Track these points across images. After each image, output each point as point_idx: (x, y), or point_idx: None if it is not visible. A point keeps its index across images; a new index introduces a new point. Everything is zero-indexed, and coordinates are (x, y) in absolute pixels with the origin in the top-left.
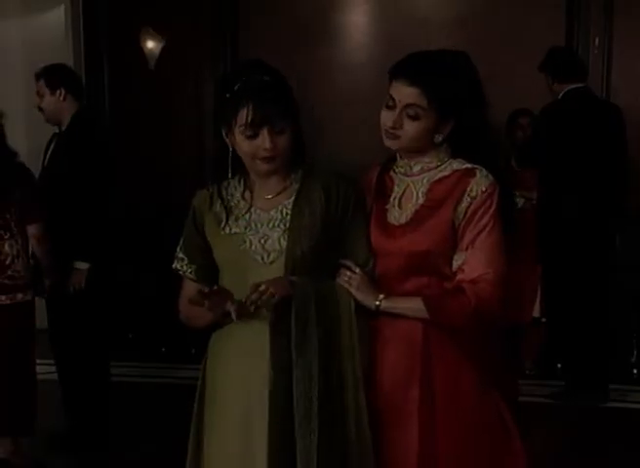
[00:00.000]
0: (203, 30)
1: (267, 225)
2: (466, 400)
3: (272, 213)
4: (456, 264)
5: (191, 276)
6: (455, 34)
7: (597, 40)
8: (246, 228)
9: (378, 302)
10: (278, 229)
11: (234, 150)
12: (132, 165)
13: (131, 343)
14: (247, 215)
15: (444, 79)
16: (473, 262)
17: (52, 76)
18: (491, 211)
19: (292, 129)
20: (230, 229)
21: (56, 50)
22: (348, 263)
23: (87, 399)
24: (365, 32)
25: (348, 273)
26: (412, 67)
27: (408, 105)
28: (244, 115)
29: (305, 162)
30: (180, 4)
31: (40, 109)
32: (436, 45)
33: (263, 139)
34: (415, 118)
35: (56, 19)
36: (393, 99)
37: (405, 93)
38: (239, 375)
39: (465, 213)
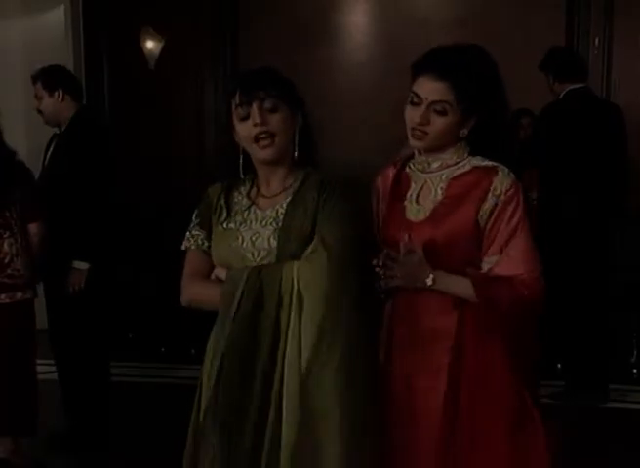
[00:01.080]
0: (203, 30)
1: (260, 223)
2: (495, 384)
3: (268, 212)
4: (487, 267)
5: (209, 251)
6: (454, 34)
7: (597, 40)
8: (241, 225)
9: (430, 282)
10: (270, 228)
11: (244, 150)
12: (132, 165)
13: (131, 343)
14: (245, 213)
15: (470, 74)
16: (508, 264)
17: (49, 78)
18: (519, 211)
19: (289, 113)
20: (227, 224)
21: (56, 50)
22: (388, 252)
23: (87, 399)
24: (365, 32)
25: (393, 265)
26: (438, 62)
27: (435, 102)
28: (236, 99)
29: (313, 165)
30: (180, 4)
31: (39, 111)
32: (436, 45)
33: (253, 116)
34: (442, 113)
35: (56, 20)
36: (418, 96)
37: (431, 88)
38: None
39: (491, 213)
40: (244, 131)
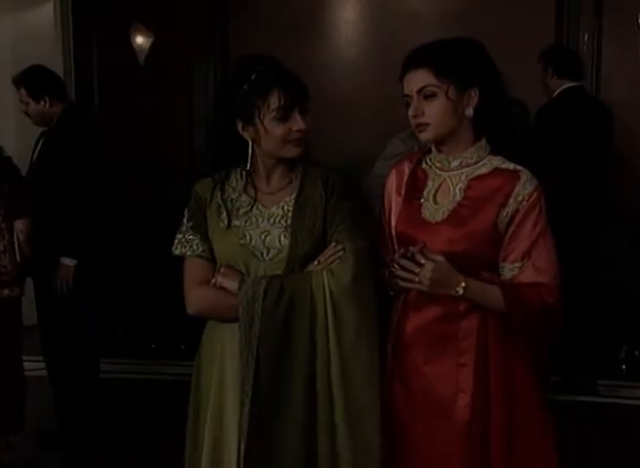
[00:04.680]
0: (193, 26)
1: (268, 221)
2: (519, 385)
3: (273, 209)
4: (510, 274)
5: (205, 255)
6: (445, 29)
7: (586, 36)
8: (246, 222)
9: (461, 291)
10: (279, 226)
11: (252, 142)
12: (122, 160)
13: (120, 340)
14: (248, 210)
15: (446, 50)
16: (532, 272)
17: (32, 85)
18: (542, 217)
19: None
20: (230, 222)
21: (45, 46)
22: (413, 251)
23: (76, 396)
24: (355, 28)
25: (417, 270)
26: (414, 54)
27: (420, 89)
28: (276, 98)
29: (307, 158)
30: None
31: (27, 114)
32: (428, 41)
33: (296, 121)
34: (431, 96)
35: (45, 16)
36: (407, 95)
37: (414, 79)
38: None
39: (512, 218)
40: (280, 131)
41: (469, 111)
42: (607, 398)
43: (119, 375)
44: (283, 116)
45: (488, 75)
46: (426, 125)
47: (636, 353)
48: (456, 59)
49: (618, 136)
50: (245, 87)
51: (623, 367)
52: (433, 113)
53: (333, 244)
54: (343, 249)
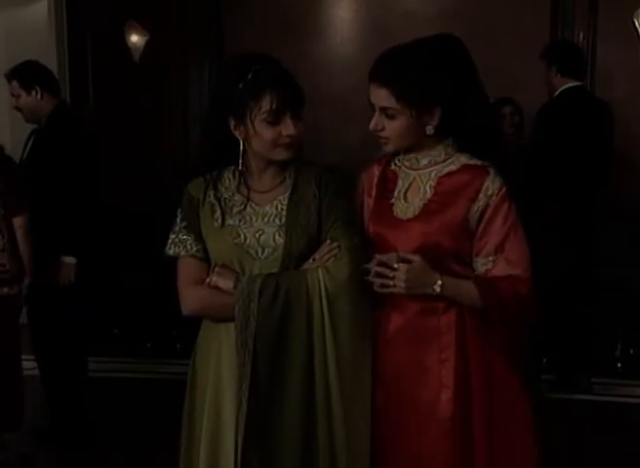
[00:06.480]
0: (188, 24)
1: (262, 219)
2: (499, 388)
3: (267, 208)
4: (484, 268)
5: (199, 254)
6: (440, 27)
7: (581, 34)
8: (240, 221)
9: (438, 289)
10: (273, 224)
11: (244, 141)
12: (117, 158)
13: (116, 339)
14: (242, 209)
15: (408, 70)
16: (505, 266)
17: (24, 76)
18: (512, 211)
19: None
20: (224, 222)
21: (39, 43)
22: (386, 259)
23: (64, 395)
24: (351, 26)
25: (390, 273)
26: (379, 69)
27: (383, 108)
28: (268, 101)
29: (299, 158)
30: None
31: (18, 109)
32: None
33: (286, 125)
34: (392, 117)
35: (39, 12)
36: (371, 103)
37: (377, 95)
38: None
39: (483, 212)
40: (269, 134)
41: (430, 129)
42: (602, 396)
43: (115, 374)
44: (273, 120)
45: (454, 91)
46: (387, 139)
47: (631, 351)
48: (417, 82)
49: (615, 134)
50: (240, 85)
51: (619, 365)
52: (393, 131)
53: (328, 241)
54: (339, 246)
